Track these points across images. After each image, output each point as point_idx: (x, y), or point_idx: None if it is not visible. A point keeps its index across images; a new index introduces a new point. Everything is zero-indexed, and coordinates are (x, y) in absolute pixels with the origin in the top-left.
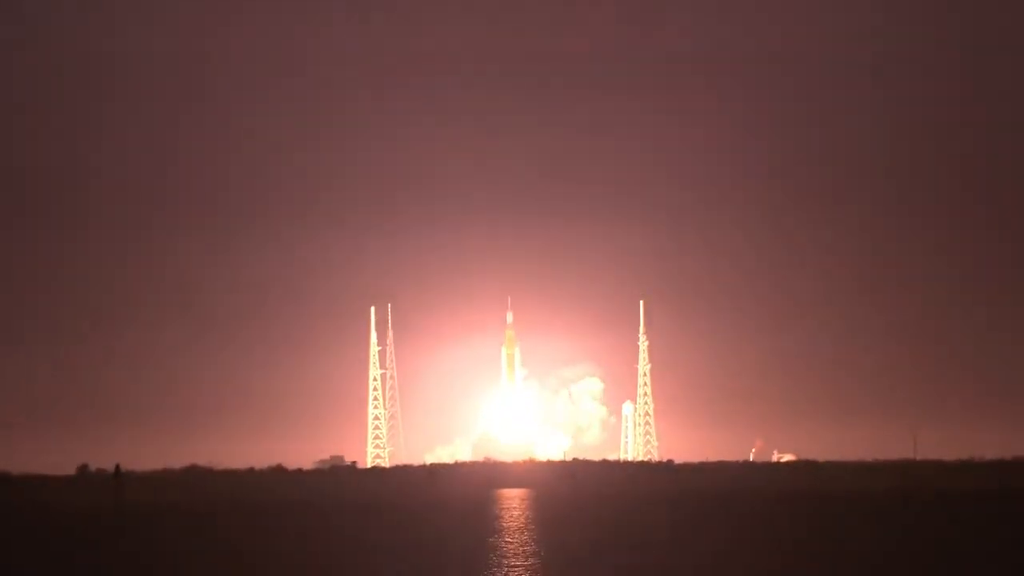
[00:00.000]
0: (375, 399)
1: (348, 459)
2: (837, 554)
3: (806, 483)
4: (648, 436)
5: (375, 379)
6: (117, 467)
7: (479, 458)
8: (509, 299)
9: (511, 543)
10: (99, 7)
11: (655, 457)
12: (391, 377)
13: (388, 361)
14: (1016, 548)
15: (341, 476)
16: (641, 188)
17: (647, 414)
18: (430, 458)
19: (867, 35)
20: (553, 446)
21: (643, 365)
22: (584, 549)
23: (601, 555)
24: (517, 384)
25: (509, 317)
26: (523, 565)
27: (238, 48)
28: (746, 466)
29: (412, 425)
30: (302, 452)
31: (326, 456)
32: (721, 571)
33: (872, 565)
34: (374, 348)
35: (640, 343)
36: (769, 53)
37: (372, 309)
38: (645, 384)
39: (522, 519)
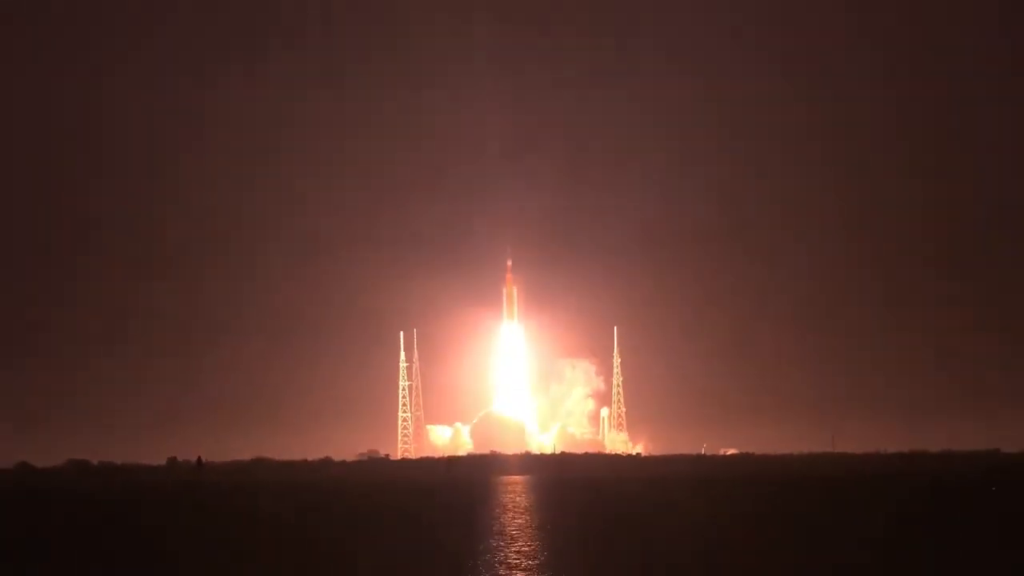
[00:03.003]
0: (404, 404)
1: (382, 452)
2: (766, 515)
3: (746, 470)
4: (621, 434)
5: (403, 389)
6: (199, 458)
7: (485, 450)
8: (509, 248)
9: (514, 519)
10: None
11: (627, 451)
12: (416, 387)
13: (414, 374)
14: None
15: (377, 465)
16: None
17: (620, 416)
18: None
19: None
20: (544, 439)
21: (616, 378)
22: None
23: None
24: (515, 320)
25: (509, 263)
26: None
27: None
28: (699, 458)
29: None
30: (346, 446)
31: (365, 450)
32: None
33: (788, 525)
34: (403, 364)
35: (614, 361)
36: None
37: (401, 334)
38: (619, 393)
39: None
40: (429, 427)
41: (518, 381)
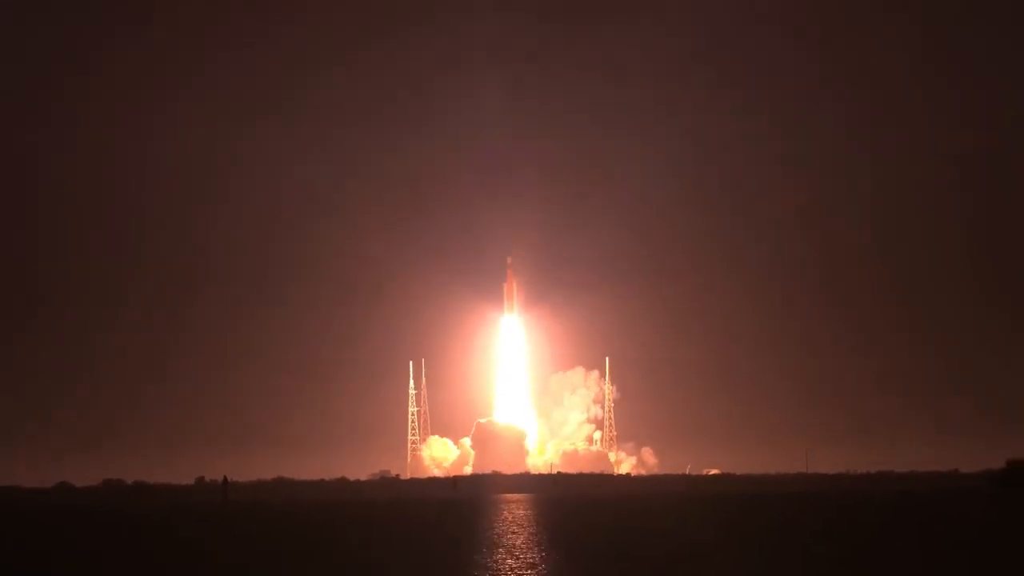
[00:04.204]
0: (413, 429)
1: (393, 472)
2: (743, 528)
3: (727, 489)
4: (611, 454)
5: (412, 413)
6: (225, 478)
7: (486, 468)
8: (510, 247)
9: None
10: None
11: (617, 471)
12: (424, 412)
13: (422, 400)
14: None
15: (388, 484)
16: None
17: (612, 439)
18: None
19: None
20: (542, 460)
21: (607, 402)
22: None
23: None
24: (515, 314)
25: (508, 260)
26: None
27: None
28: (684, 477)
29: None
30: (360, 466)
31: (377, 470)
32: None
33: (762, 541)
34: (412, 391)
35: (605, 388)
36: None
37: (411, 363)
38: (610, 419)
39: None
40: (434, 438)
41: (518, 382)
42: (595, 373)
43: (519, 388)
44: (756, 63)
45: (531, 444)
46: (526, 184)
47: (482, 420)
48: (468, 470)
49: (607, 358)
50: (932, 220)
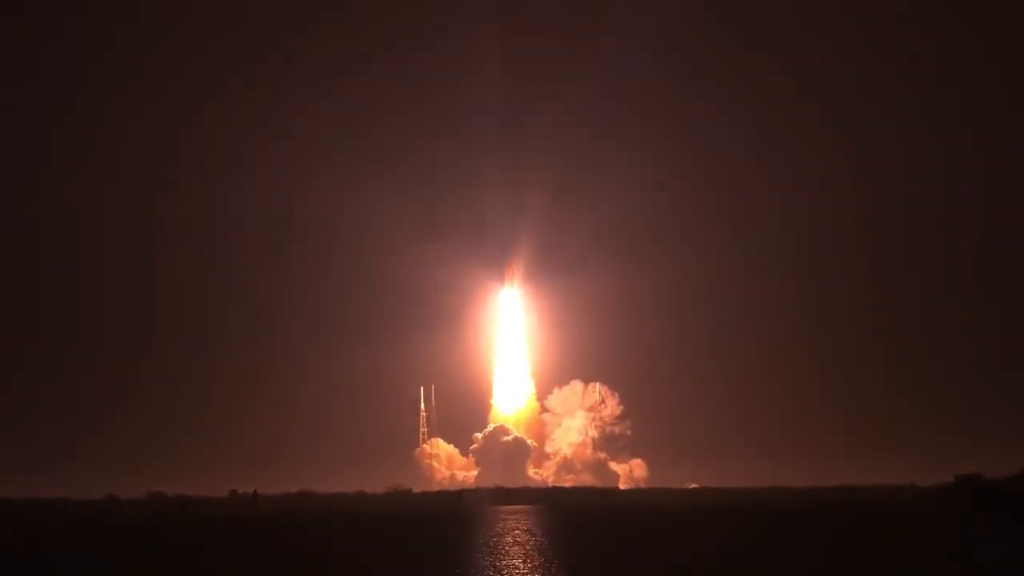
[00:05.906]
0: (424, 447)
1: (406, 486)
2: (715, 529)
3: (705, 500)
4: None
5: (423, 434)
6: (255, 491)
7: (491, 484)
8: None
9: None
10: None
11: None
12: (434, 432)
13: (431, 422)
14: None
15: (402, 497)
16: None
17: (605, 452)
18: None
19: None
20: (542, 472)
21: (598, 420)
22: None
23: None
24: (516, 289)
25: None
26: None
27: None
28: (667, 490)
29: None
30: (377, 481)
31: (392, 484)
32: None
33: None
34: (423, 414)
35: (598, 410)
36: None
37: (421, 389)
38: (601, 438)
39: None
40: (439, 443)
41: (518, 371)
42: (591, 387)
43: (519, 380)
44: (763, 53)
45: (531, 458)
46: (529, 169)
47: (478, 434)
48: (473, 475)
49: (597, 384)
50: (899, 235)
